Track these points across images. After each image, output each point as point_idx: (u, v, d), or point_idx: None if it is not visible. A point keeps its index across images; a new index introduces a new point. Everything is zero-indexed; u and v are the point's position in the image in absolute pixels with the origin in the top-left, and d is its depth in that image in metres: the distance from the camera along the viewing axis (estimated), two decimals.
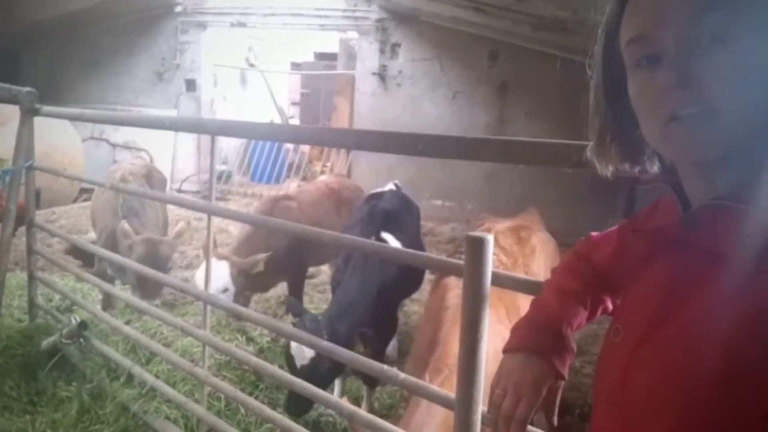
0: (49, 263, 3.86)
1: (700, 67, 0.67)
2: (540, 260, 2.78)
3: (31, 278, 3.53)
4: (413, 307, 4.71)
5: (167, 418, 2.59)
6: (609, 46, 0.79)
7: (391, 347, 3.84)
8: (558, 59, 6.70)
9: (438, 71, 8.32)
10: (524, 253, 2.78)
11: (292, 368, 2.47)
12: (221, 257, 3.55)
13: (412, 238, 3.30)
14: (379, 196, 3.78)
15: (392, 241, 3.07)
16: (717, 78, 0.66)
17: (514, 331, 1.03)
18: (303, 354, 2.44)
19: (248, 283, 3.64)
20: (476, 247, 1.28)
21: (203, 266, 3.53)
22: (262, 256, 3.52)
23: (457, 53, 8.18)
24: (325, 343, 1.96)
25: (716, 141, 0.68)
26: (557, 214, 5.20)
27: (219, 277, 3.45)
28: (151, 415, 2.60)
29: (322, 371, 2.48)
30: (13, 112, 3.50)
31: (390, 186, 4.05)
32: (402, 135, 1.79)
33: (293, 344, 2.45)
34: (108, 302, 3.82)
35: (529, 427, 1.02)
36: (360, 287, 2.83)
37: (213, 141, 2.40)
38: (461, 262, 1.34)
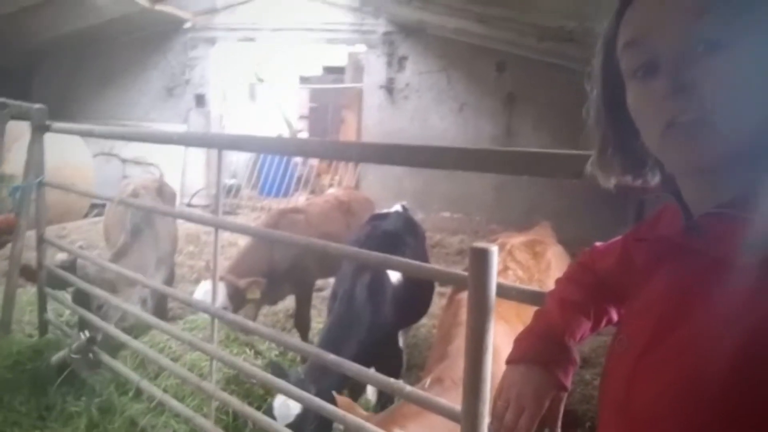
0: None
1: (696, 73, 0.66)
2: (555, 275, 2.73)
3: (41, 293, 3.55)
4: (422, 320, 4.68)
5: None
6: (608, 58, 0.79)
7: None
8: (564, 70, 6.72)
9: (445, 84, 8.35)
10: (540, 267, 2.77)
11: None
12: None
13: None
14: (383, 217, 3.72)
15: None
16: (713, 84, 0.65)
17: (517, 342, 1.02)
18: (288, 412, 2.24)
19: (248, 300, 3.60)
20: (480, 258, 1.27)
21: (202, 285, 3.52)
22: (257, 279, 3.45)
23: (464, 65, 8.21)
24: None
25: (714, 148, 0.67)
26: (567, 223, 5.16)
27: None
28: (160, 429, 2.60)
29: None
30: (25, 128, 3.54)
31: (397, 207, 3.97)
32: (405, 147, 1.80)
33: (276, 404, 2.28)
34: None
35: None
36: (347, 326, 2.73)
37: (220, 155, 2.43)
38: (466, 274, 1.33)
